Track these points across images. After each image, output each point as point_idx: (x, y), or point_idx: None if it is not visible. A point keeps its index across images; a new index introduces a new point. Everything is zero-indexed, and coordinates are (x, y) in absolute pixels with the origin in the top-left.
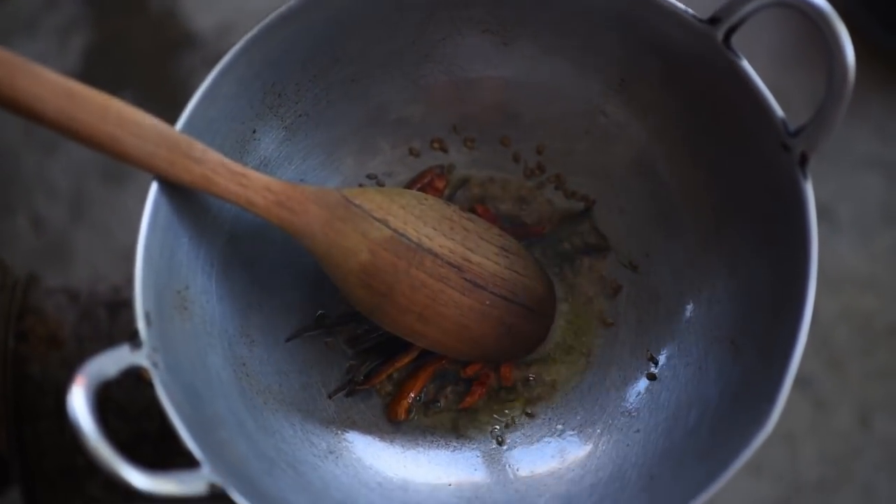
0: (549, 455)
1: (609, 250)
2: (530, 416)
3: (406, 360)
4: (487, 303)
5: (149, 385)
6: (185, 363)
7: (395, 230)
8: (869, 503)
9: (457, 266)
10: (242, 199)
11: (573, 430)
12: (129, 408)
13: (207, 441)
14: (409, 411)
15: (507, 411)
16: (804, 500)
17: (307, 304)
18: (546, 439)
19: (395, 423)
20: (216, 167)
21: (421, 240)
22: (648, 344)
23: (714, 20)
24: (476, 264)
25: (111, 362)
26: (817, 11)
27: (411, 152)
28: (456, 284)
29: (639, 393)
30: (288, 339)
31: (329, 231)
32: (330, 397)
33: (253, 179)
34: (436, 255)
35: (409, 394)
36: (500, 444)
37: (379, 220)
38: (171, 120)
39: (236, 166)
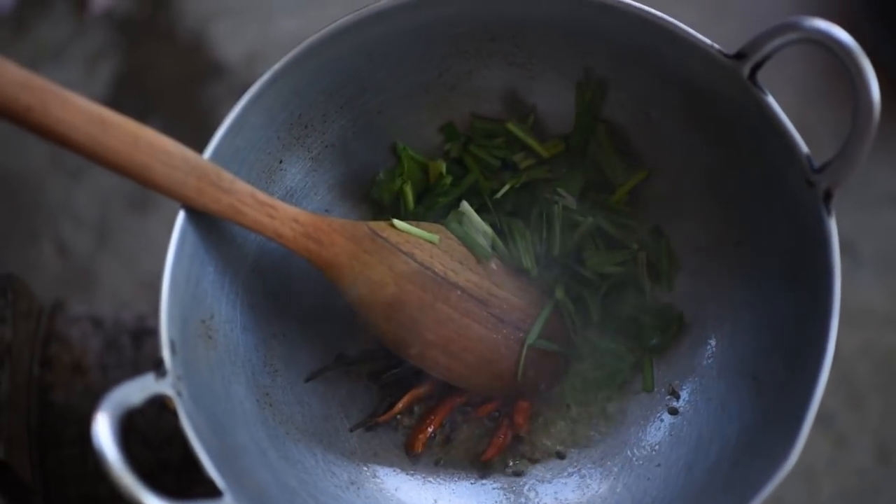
0: (570, 489)
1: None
2: (559, 455)
3: (423, 389)
4: (511, 338)
5: (172, 414)
6: (209, 392)
7: (421, 263)
8: None
9: (482, 301)
10: (270, 230)
11: (593, 463)
12: (152, 436)
13: (230, 470)
14: (426, 444)
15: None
16: None
17: (330, 336)
18: (567, 473)
19: (413, 455)
20: (244, 197)
21: (447, 274)
22: (671, 378)
23: (740, 55)
24: (502, 299)
25: (136, 391)
26: (843, 48)
27: None
28: (481, 319)
29: (660, 427)
30: (307, 380)
31: (355, 263)
32: (351, 430)
33: (280, 210)
34: (462, 290)
35: (427, 427)
36: (519, 475)
37: (405, 254)
38: (199, 149)
39: (264, 197)
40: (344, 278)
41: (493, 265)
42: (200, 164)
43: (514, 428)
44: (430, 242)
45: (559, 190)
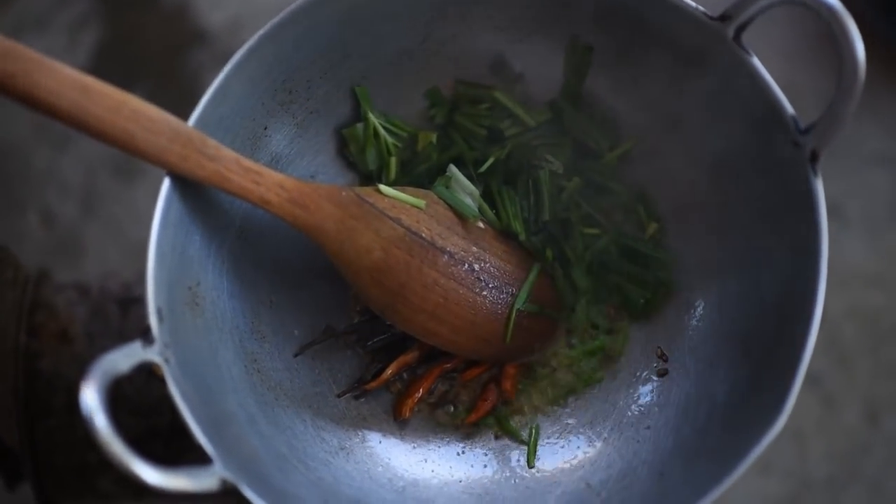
0: (559, 452)
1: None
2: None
3: (411, 356)
4: (499, 302)
5: (160, 381)
6: (197, 359)
7: (407, 228)
8: (877, 500)
9: (470, 265)
10: (255, 197)
11: (583, 426)
12: (140, 403)
13: (219, 437)
14: (413, 409)
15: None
16: (813, 497)
17: (318, 302)
18: (556, 436)
19: (400, 420)
20: (229, 164)
21: (434, 238)
22: (659, 341)
23: (724, 17)
24: (489, 263)
25: (123, 358)
26: (828, 9)
27: None
28: (469, 283)
29: (649, 390)
30: (296, 354)
31: (342, 229)
32: (339, 397)
33: (266, 177)
34: (449, 254)
35: (415, 393)
36: (502, 438)
37: (392, 219)
38: (183, 117)
39: (249, 163)
40: (331, 244)
41: (481, 226)
42: (185, 131)
43: (502, 394)
44: (417, 207)
45: (547, 156)
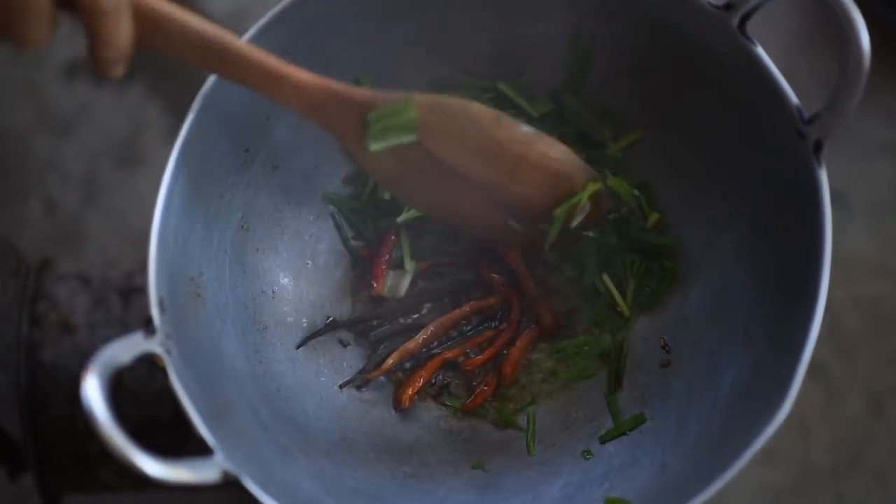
0: (561, 443)
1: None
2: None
3: (413, 345)
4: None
5: (162, 372)
6: (199, 350)
7: (427, 151)
8: (880, 489)
9: (486, 189)
10: (280, 99)
11: (586, 417)
12: (142, 395)
13: (220, 428)
14: (412, 399)
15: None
16: (816, 486)
17: (319, 293)
18: (558, 428)
19: (401, 409)
20: (252, 66)
21: (456, 164)
22: (662, 332)
23: (729, 6)
24: (511, 192)
25: (125, 349)
26: None
27: None
28: (484, 204)
29: (652, 380)
30: (298, 346)
31: (360, 136)
32: (341, 388)
33: (286, 85)
34: (467, 179)
35: (416, 382)
36: (504, 428)
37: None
38: (185, 106)
39: (273, 67)
40: (349, 145)
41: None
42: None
43: (503, 378)
44: (446, 125)
45: None
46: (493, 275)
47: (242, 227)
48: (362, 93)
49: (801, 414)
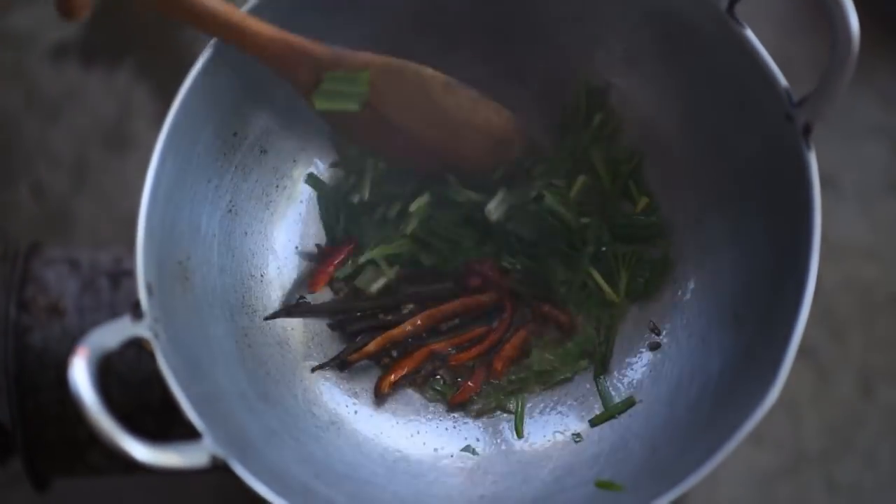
0: (550, 426)
1: None
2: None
3: (398, 331)
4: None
5: (150, 356)
6: (187, 334)
7: (376, 111)
8: (871, 471)
9: (435, 152)
10: (240, 47)
11: (574, 400)
12: (130, 378)
13: (209, 412)
14: (391, 387)
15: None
16: (807, 469)
17: (305, 276)
18: (548, 411)
19: (379, 395)
20: (213, 16)
21: (402, 123)
22: (651, 315)
23: None
24: (457, 155)
25: (113, 333)
26: None
27: None
28: (430, 159)
29: (641, 364)
30: (266, 318)
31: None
32: (313, 371)
33: (246, 36)
34: (416, 141)
35: (399, 371)
36: (491, 415)
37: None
38: (174, 87)
39: (233, 18)
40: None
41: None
42: None
43: (492, 373)
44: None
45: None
46: (479, 280)
47: (230, 210)
48: (321, 50)
49: (791, 397)
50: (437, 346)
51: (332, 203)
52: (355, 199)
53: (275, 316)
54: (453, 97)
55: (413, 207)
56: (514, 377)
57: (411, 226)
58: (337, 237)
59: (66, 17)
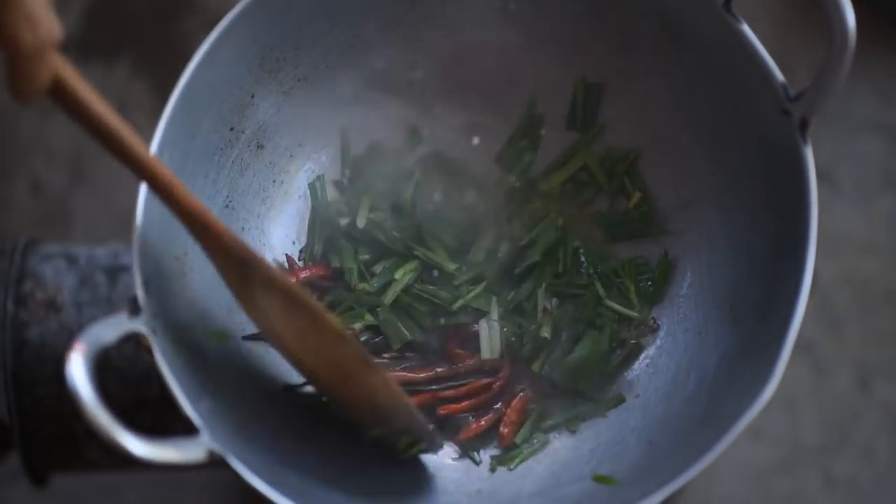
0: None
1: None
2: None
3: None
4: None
5: (147, 351)
6: (184, 330)
7: (270, 325)
8: (868, 466)
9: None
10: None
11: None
12: (128, 374)
13: (206, 407)
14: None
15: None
16: (804, 463)
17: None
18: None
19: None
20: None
21: (283, 347)
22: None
23: None
24: (336, 394)
25: (110, 329)
26: None
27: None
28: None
29: (639, 358)
30: (244, 338)
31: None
32: (286, 390)
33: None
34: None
35: None
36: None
37: (262, 308)
38: (171, 84)
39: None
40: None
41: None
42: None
43: (501, 440)
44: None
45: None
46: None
47: (228, 205)
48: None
49: (788, 391)
50: (418, 398)
51: (320, 218)
52: (344, 222)
53: (253, 338)
54: (343, 349)
55: (398, 275)
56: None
57: (391, 296)
58: (313, 254)
59: (18, 100)
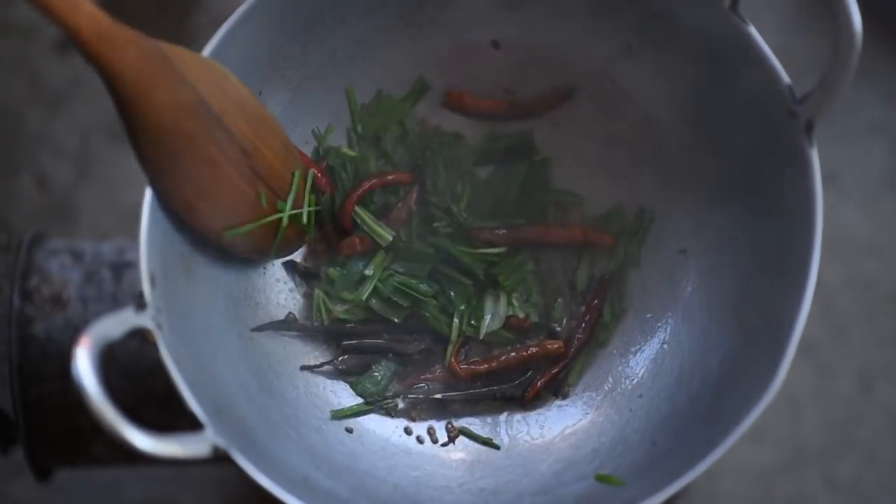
0: (551, 420)
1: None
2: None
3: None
4: (262, 196)
5: (153, 346)
6: (190, 325)
7: (201, 97)
8: (871, 468)
9: (246, 151)
10: (70, 23)
11: (576, 395)
12: (133, 369)
13: (211, 403)
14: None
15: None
16: (807, 465)
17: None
18: (547, 405)
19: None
20: None
21: (222, 115)
22: (652, 310)
23: None
24: (262, 155)
25: (116, 324)
26: None
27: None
28: (241, 169)
29: (643, 359)
30: (253, 330)
31: (140, 80)
32: (301, 370)
33: (83, 7)
34: (231, 135)
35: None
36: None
37: (189, 83)
38: None
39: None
40: (124, 92)
41: (263, 117)
42: None
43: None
44: (213, 79)
45: None
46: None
47: None
48: (147, 38)
49: (791, 393)
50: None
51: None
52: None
53: (262, 328)
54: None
55: (369, 271)
56: None
57: (366, 291)
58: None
59: None
